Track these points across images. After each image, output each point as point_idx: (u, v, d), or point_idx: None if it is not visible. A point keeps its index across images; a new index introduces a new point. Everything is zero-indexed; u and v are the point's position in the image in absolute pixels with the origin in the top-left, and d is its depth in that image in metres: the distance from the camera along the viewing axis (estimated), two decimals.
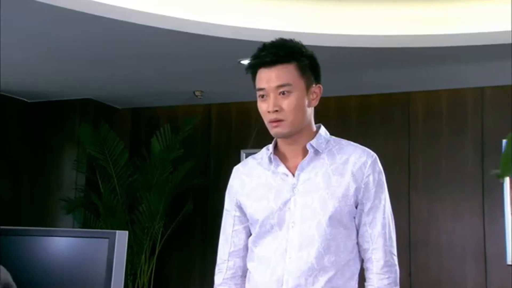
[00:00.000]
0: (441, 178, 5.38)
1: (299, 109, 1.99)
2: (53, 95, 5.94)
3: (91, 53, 4.55)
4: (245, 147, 5.87)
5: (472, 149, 5.32)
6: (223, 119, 6.13)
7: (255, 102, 6.21)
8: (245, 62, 4.61)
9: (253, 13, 4.02)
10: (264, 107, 2.01)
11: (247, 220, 2.11)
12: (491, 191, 5.20)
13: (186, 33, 3.96)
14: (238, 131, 6.02)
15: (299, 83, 1.99)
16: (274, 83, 1.98)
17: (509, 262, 5.07)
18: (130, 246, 5.31)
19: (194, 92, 5.66)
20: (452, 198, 5.33)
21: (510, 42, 3.98)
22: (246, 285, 2.11)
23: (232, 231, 2.14)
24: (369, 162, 2.02)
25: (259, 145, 6.41)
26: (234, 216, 2.13)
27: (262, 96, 2.01)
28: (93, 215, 5.69)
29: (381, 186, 2.03)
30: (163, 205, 5.56)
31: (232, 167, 6.90)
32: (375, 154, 2.05)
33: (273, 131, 2.02)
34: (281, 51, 1.99)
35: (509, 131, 5.13)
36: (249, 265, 2.10)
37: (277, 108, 1.97)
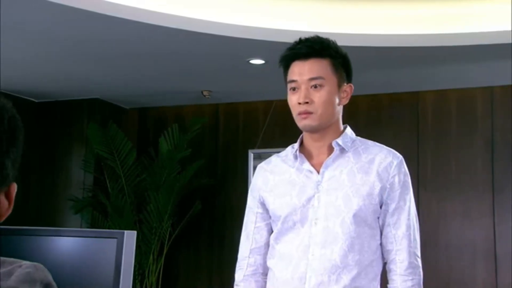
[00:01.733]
0: (451, 178, 5.36)
1: (329, 103, 1.98)
2: (60, 95, 5.95)
3: (98, 53, 4.54)
4: (252, 147, 5.85)
5: (481, 148, 5.29)
6: (231, 119, 6.12)
7: (263, 102, 6.20)
8: (254, 61, 4.65)
9: (261, 12, 4.00)
10: (294, 99, 2.00)
11: (269, 217, 2.11)
12: (501, 191, 5.17)
13: (195, 32, 3.95)
14: (246, 131, 6.01)
15: (332, 79, 1.99)
16: (307, 76, 1.97)
17: None
18: (138, 246, 5.31)
19: (202, 92, 5.65)
20: (461, 197, 5.30)
21: None
22: (267, 283, 2.09)
23: (254, 228, 2.14)
24: (395, 163, 2.01)
25: (267, 145, 6.42)
26: (257, 213, 2.13)
27: (294, 88, 2.00)
28: (101, 215, 5.69)
29: (406, 187, 2.02)
30: (171, 205, 5.56)
31: (240, 167, 6.90)
32: (401, 156, 2.05)
33: (301, 123, 2.01)
34: (316, 45, 1.99)
35: None
36: (269, 262, 2.09)
37: (307, 100, 1.96)
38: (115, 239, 1.73)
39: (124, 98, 6.09)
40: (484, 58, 4.50)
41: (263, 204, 2.11)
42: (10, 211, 0.94)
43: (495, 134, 5.27)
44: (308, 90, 1.97)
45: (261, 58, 4.54)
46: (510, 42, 4.01)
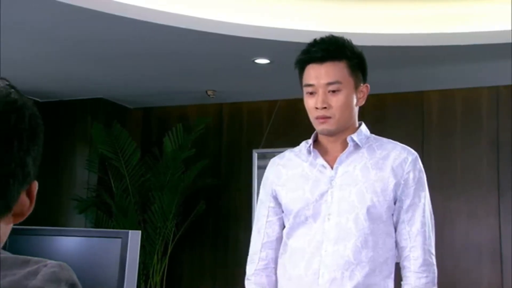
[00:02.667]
0: (456, 178, 5.33)
1: (347, 107, 1.99)
2: (64, 94, 5.95)
3: (102, 52, 4.53)
4: (256, 147, 5.84)
5: (487, 148, 5.27)
6: (235, 119, 6.11)
7: (267, 102, 6.19)
8: (259, 61, 4.63)
9: (266, 12, 3.99)
10: (311, 103, 2.00)
11: (282, 211, 2.10)
12: (507, 191, 5.15)
13: (200, 31, 3.93)
14: (250, 130, 6.00)
15: (349, 81, 1.99)
16: (324, 80, 1.96)
17: None
18: (142, 246, 5.30)
19: (206, 92, 5.63)
20: (467, 198, 5.28)
21: None
22: (279, 278, 2.08)
23: (266, 222, 2.12)
24: (409, 159, 2.01)
25: (271, 145, 6.39)
26: (269, 207, 2.12)
27: (311, 92, 2.00)
28: (106, 215, 5.69)
29: (421, 184, 2.03)
30: (175, 205, 5.55)
31: (244, 167, 6.87)
32: (416, 153, 2.06)
33: (319, 127, 2.01)
34: (332, 47, 1.99)
35: None
36: (281, 257, 2.08)
37: (325, 105, 1.96)
38: (120, 239, 1.72)
39: (128, 98, 6.09)
40: (489, 57, 4.48)
41: (275, 198, 2.11)
42: (31, 210, 0.95)
43: (500, 133, 5.25)
44: (325, 94, 1.96)
45: (266, 57, 4.53)
46: None
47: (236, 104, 6.07)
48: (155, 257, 5.62)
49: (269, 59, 4.55)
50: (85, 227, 5.73)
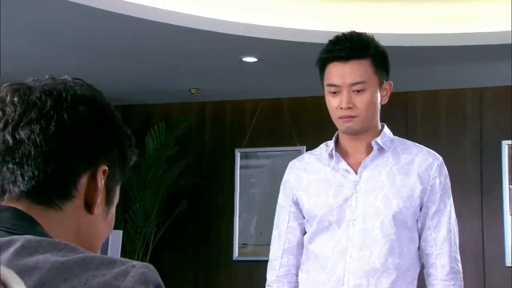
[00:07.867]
0: None
1: (372, 106, 1.96)
2: None
3: (81, 48, 4.46)
4: (239, 146, 5.80)
5: (471, 150, 5.29)
6: (217, 118, 6.07)
7: (250, 101, 6.13)
8: (248, 59, 4.57)
9: (255, 9, 3.94)
10: (334, 102, 1.96)
11: (303, 217, 2.06)
12: (490, 192, 5.17)
13: (188, 28, 3.88)
14: (233, 130, 5.96)
15: (373, 80, 1.96)
16: (349, 80, 1.93)
17: (508, 264, 5.04)
18: (123, 245, 5.24)
19: (190, 90, 5.58)
20: None
21: (510, 42, 3.98)
22: (301, 285, 2.05)
23: (287, 227, 2.08)
24: (435, 164, 1.99)
25: (254, 145, 6.31)
26: (290, 212, 2.08)
27: (334, 92, 1.96)
28: None
29: (447, 190, 2.00)
30: (157, 204, 5.50)
31: (227, 166, 6.78)
32: (441, 157, 2.03)
33: (344, 126, 1.97)
34: (357, 45, 1.95)
35: (509, 132, 5.09)
36: (304, 264, 2.05)
37: (350, 105, 1.93)
38: None
39: (108, 95, 5.92)
40: (473, 59, 4.50)
41: (296, 203, 2.07)
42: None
43: (483, 134, 5.27)
44: (350, 94, 1.93)
45: (254, 56, 4.48)
46: (500, 43, 4.01)
47: (219, 103, 6.02)
48: (136, 257, 5.56)
49: (257, 58, 4.50)
50: None
